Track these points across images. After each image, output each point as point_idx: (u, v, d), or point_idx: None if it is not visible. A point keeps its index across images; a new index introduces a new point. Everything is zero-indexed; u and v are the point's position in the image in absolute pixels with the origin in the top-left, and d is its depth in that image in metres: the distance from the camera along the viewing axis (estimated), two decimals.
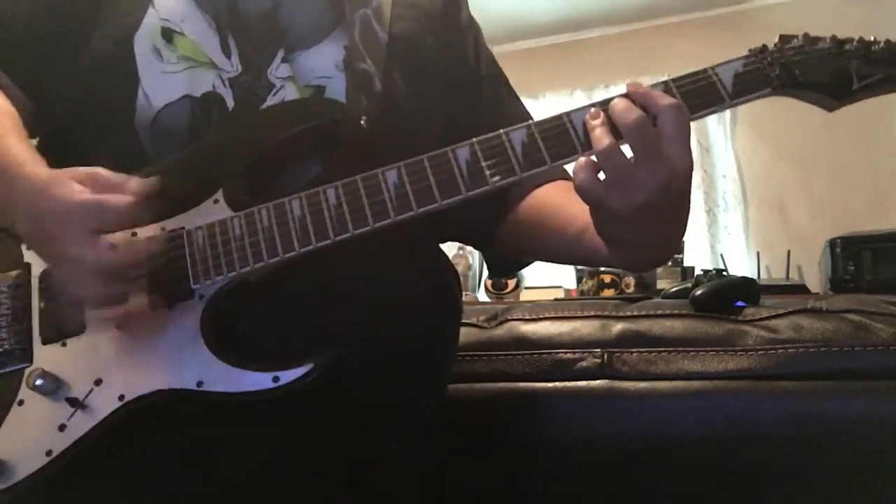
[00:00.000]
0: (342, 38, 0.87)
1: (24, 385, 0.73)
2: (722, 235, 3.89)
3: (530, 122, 0.72)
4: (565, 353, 0.95)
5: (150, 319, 0.72)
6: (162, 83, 0.80)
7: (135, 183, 0.71)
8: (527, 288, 3.11)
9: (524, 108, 1.03)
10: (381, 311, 0.79)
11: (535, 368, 0.95)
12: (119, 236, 0.69)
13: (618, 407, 0.91)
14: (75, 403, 0.72)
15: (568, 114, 0.71)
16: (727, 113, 3.87)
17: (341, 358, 0.72)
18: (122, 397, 0.71)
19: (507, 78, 1.05)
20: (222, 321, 0.73)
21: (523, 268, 1.09)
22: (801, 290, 2.43)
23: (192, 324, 0.72)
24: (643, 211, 0.67)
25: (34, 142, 0.81)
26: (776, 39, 0.73)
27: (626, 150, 0.68)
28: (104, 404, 0.71)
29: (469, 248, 3.09)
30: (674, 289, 1.19)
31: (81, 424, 0.71)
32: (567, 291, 3.09)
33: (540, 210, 0.92)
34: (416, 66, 0.91)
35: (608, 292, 2.84)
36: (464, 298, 0.97)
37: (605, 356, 0.93)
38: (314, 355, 0.70)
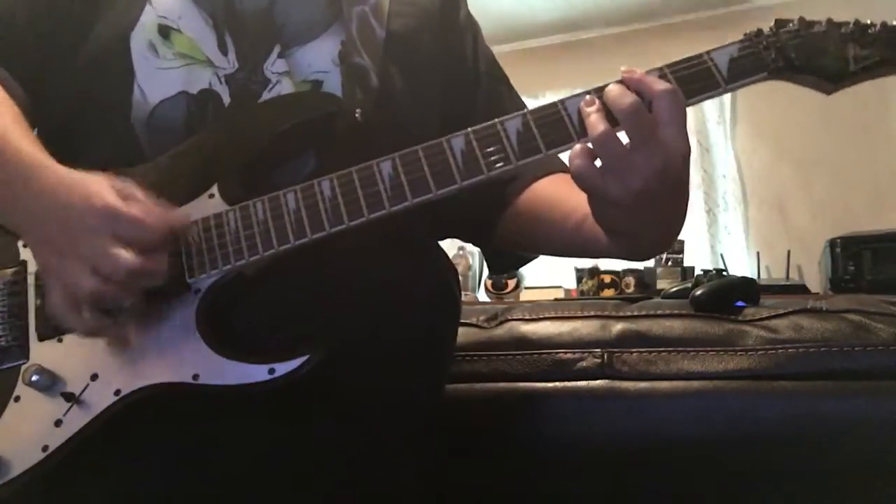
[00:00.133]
0: (339, 34, 0.86)
1: (20, 381, 0.73)
2: (722, 235, 3.89)
3: (525, 110, 0.72)
4: (565, 353, 0.95)
5: (146, 314, 0.72)
6: (158, 79, 0.80)
7: (171, 214, 0.71)
8: (527, 288, 3.12)
9: (525, 107, 1.02)
10: (379, 308, 0.79)
11: (535, 368, 0.95)
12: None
13: (618, 407, 0.91)
14: (71, 399, 0.72)
15: (563, 101, 0.71)
16: (727, 112, 3.87)
17: (338, 352, 0.72)
18: (118, 392, 0.71)
19: (507, 77, 1.05)
20: (218, 314, 0.73)
21: (523, 264, 1.09)
22: (801, 290, 2.44)
23: (187, 317, 0.72)
24: (640, 197, 0.67)
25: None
26: (772, 24, 0.73)
27: (622, 136, 0.68)
28: (100, 399, 0.71)
29: (469, 249, 3.10)
30: (674, 289, 1.19)
31: (77, 419, 0.71)
32: (567, 291, 3.09)
33: (539, 203, 0.92)
34: (413, 62, 0.91)
35: (608, 292, 2.84)
36: (464, 298, 0.97)
37: (605, 356, 0.93)
38: (310, 347, 0.70)
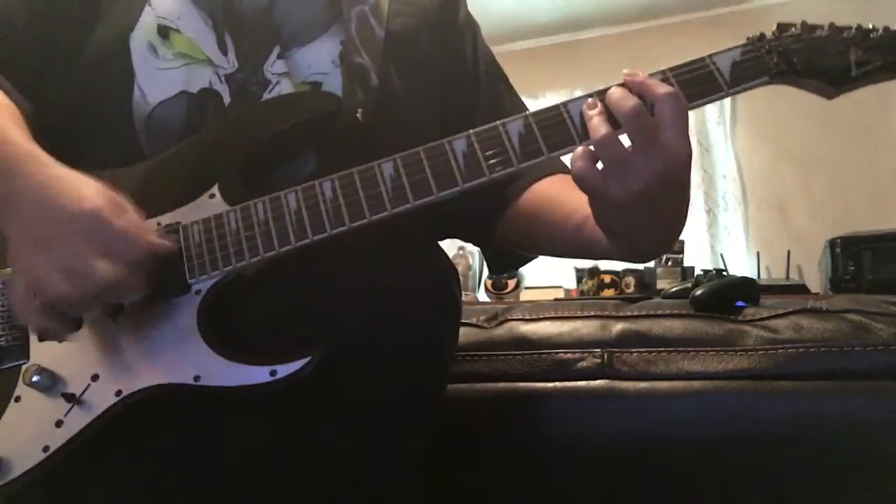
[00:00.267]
0: (339, 35, 0.87)
1: (20, 381, 0.73)
2: (722, 235, 3.89)
3: (527, 112, 0.72)
4: (565, 353, 0.95)
5: (147, 315, 0.72)
6: (157, 80, 0.80)
7: (158, 242, 0.70)
8: (527, 288, 3.12)
9: (524, 106, 1.02)
10: (379, 309, 0.79)
11: (535, 368, 0.95)
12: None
13: (618, 407, 0.91)
14: (72, 399, 0.71)
15: (565, 104, 0.71)
16: (727, 112, 3.87)
17: (339, 353, 0.72)
18: (118, 392, 0.71)
19: (507, 77, 1.05)
20: (219, 315, 0.73)
21: (523, 264, 1.09)
22: (801, 290, 2.44)
23: (188, 318, 0.72)
24: (641, 199, 0.67)
25: None
26: (774, 28, 0.73)
27: (624, 139, 0.68)
28: (101, 400, 0.71)
29: (469, 249, 3.09)
30: (674, 289, 1.19)
31: (78, 420, 0.71)
32: (567, 291, 3.09)
33: (539, 203, 0.92)
34: (413, 62, 0.91)
35: (608, 292, 2.84)
36: (464, 298, 0.97)
37: (605, 356, 0.93)
38: (311, 349, 0.70)
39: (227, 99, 0.81)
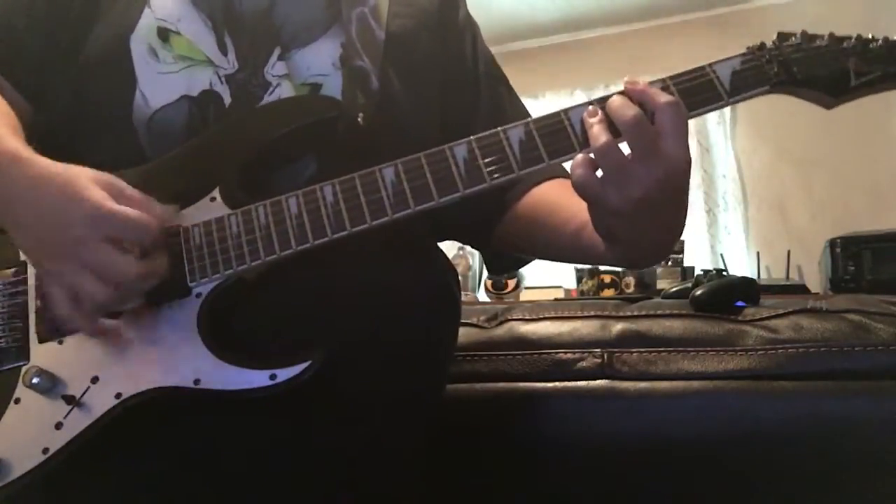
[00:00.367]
0: (339, 36, 0.87)
1: (20, 383, 0.73)
2: (722, 235, 3.89)
3: (528, 119, 0.72)
4: (565, 353, 0.95)
5: (147, 317, 0.72)
6: (159, 84, 0.80)
7: (160, 209, 0.71)
8: (527, 288, 3.11)
9: (524, 107, 1.02)
10: (379, 310, 0.79)
11: (535, 368, 0.95)
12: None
13: (618, 407, 0.91)
14: (72, 401, 0.72)
15: (566, 111, 0.71)
16: (727, 112, 3.87)
17: (339, 354, 0.72)
18: (118, 395, 0.71)
19: (507, 78, 1.05)
20: (219, 319, 0.73)
21: (522, 266, 1.09)
22: (801, 290, 2.44)
23: (189, 321, 0.72)
24: (639, 207, 0.68)
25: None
26: (774, 37, 0.73)
27: (624, 147, 0.69)
28: (101, 402, 0.71)
29: (469, 249, 3.09)
30: (674, 289, 1.19)
31: (78, 422, 0.71)
32: (567, 291, 3.09)
33: (539, 208, 0.92)
34: (412, 63, 0.91)
35: (608, 292, 2.84)
36: (464, 298, 0.97)
37: (605, 356, 0.93)
38: (311, 353, 0.70)
39: (227, 100, 0.81)
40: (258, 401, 0.70)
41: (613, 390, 0.91)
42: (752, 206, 3.85)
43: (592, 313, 0.99)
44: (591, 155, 0.69)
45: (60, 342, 0.74)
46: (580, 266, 3.07)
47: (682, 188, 0.70)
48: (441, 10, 0.98)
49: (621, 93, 0.70)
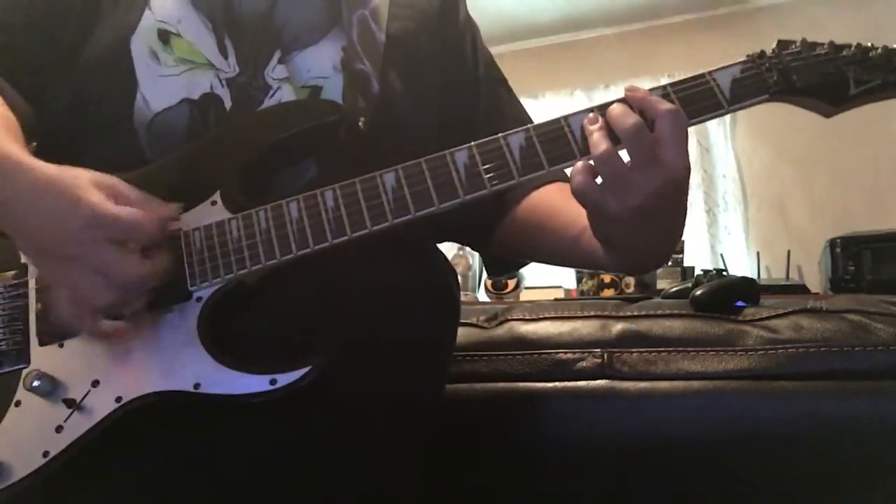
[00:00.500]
0: (340, 39, 0.86)
1: (21, 386, 0.73)
2: (722, 235, 3.89)
3: (529, 126, 0.73)
4: (565, 353, 0.95)
5: (148, 321, 0.72)
6: (160, 87, 0.80)
7: (161, 208, 0.71)
8: (527, 288, 3.11)
9: (523, 109, 1.03)
10: (379, 313, 0.79)
11: (535, 368, 0.95)
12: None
13: (618, 407, 0.91)
14: (72, 405, 0.71)
15: (566, 118, 0.72)
16: None
17: (339, 358, 0.72)
18: (119, 399, 0.71)
19: (506, 79, 1.05)
20: (220, 323, 0.73)
21: (521, 268, 1.09)
22: (801, 290, 2.43)
23: (189, 326, 0.72)
24: (639, 214, 0.68)
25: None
26: (774, 45, 0.74)
27: (624, 154, 0.69)
28: (101, 406, 0.71)
29: (469, 249, 3.09)
30: (674, 289, 1.19)
31: (78, 426, 0.71)
32: (567, 291, 3.08)
33: (538, 212, 0.92)
34: (413, 65, 0.91)
35: (608, 292, 2.83)
36: (464, 298, 0.97)
37: (605, 356, 0.93)
38: (312, 358, 0.70)
39: (228, 103, 0.81)
40: (258, 404, 0.70)
41: (613, 390, 0.91)
42: (752, 206, 3.85)
43: (592, 313, 0.99)
44: (591, 162, 0.69)
45: (61, 345, 0.74)
46: (577, 268, 3.06)
47: (681, 196, 0.71)
48: (441, 11, 0.98)
49: (622, 100, 0.71)
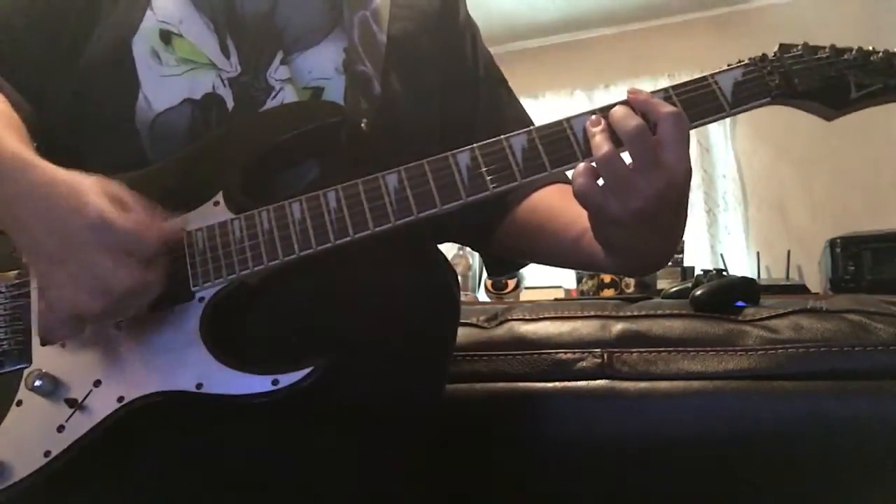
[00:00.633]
0: (341, 40, 0.87)
1: (22, 386, 0.73)
2: (722, 235, 3.89)
3: (531, 127, 0.73)
4: (565, 353, 0.95)
5: (150, 321, 0.72)
6: (162, 87, 0.80)
7: (164, 223, 0.70)
8: (527, 288, 3.11)
9: (523, 109, 1.03)
10: (379, 311, 0.79)
11: (535, 368, 0.95)
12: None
13: (618, 407, 0.91)
14: (74, 404, 0.71)
15: (568, 120, 0.72)
16: None
17: (340, 360, 0.72)
18: (121, 399, 0.71)
19: (506, 79, 1.05)
20: (222, 323, 0.73)
21: (521, 268, 1.09)
22: (801, 290, 2.43)
23: (191, 326, 0.72)
24: (640, 217, 0.68)
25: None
26: (776, 48, 0.74)
27: (626, 156, 0.69)
28: (103, 405, 0.71)
29: (469, 249, 3.09)
30: (674, 289, 1.19)
31: (80, 425, 0.71)
32: (567, 291, 3.08)
33: (539, 213, 0.92)
34: (414, 66, 0.91)
35: (608, 292, 2.83)
36: (464, 298, 0.97)
37: (605, 356, 0.93)
38: (314, 358, 0.70)
39: (230, 104, 0.81)
40: (259, 404, 0.70)
41: (613, 390, 0.91)
42: (752, 206, 3.85)
43: (592, 313, 0.99)
44: (593, 164, 0.70)
45: (63, 345, 0.74)
46: (577, 269, 3.07)
47: (682, 199, 0.71)
48: (441, 12, 0.98)
49: (624, 102, 0.71)
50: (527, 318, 1.02)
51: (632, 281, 2.77)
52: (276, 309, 0.75)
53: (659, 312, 0.97)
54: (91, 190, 0.68)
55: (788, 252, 3.22)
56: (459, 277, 0.95)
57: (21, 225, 0.70)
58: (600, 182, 0.70)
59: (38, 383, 0.72)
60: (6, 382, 0.74)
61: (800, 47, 0.74)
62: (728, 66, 0.73)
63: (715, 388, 0.88)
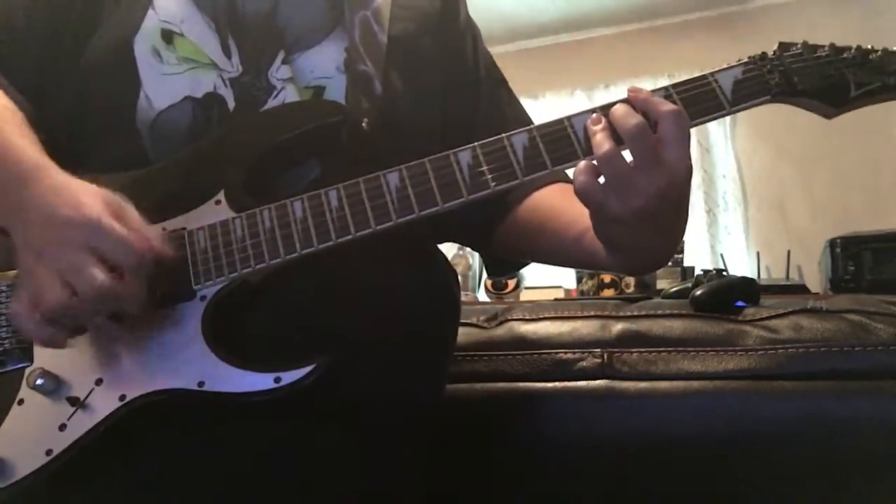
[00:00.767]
0: (342, 40, 0.87)
1: (24, 384, 0.73)
2: (722, 235, 3.89)
3: (532, 126, 0.73)
4: (565, 353, 0.95)
5: (152, 320, 0.72)
6: (163, 86, 0.80)
7: (157, 242, 0.70)
8: (527, 288, 3.11)
9: (523, 109, 1.03)
10: (379, 311, 0.79)
11: (535, 368, 0.95)
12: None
13: (618, 407, 0.91)
14: (76, 403, 0.72)
15: (569, 118, 0.72)
16: None
17: (342, 359, 0.72)
18: (122, 397, 0.71)
19: (507, 79, 1.05)
20: (224, 321, 0.73)
21: (521, 268, 1.09)
22: (801, 290, 2.43)
23: (193, 324, 0.72)
24: (641, 215, 0.68)
25: None
26: (775, 46, 0.74)
27: (627, 154, 0.69)
28: (105, 404, 0.71)
29: (469, 249, 3.09)
30: (674, 289, 1.19)
31: (82, 424, 0.71)
32: (567, 291, 3.09)
33: (540, 212, 0.92)
34: (414, 66, 0.91)
35: (608, 292, 2.84)
36: (464, 298, 0.97)
37: (605, 356, 0.93)
38: (315, 356, 0.70)
39: (231, 103, 0.81)
40: (261, 402, 0.70)
41: (613, 390, 0.91)
42: (752, 206, 3.85)
43: (592, 313, 1.00)
44: (594, 162, 0.70)
45: None
46: (578, 268, 3.06)
47: (683, 197, 0.71)
48: (442, 12, 0.98)
49: (624, 101, 0.71)
50: (527, 318, 1.02)
51: (632, 281, 2.77)
52: (278, 307, 0.75)
53: (659, 312, 0.97)
54: (93, 195, 0.68)
55: (788, 252, 3.22)
56: (459, 277, 0.95)
57: (25, 226, 0.70)
58: (601, 180, 0.70)
59: (39, 382, 0.72)
60: (8, 381, 0.74)
61: (799, 46, 0.74)
62: (728, 64, 0.73)
63: (715, 388, 0.88)
